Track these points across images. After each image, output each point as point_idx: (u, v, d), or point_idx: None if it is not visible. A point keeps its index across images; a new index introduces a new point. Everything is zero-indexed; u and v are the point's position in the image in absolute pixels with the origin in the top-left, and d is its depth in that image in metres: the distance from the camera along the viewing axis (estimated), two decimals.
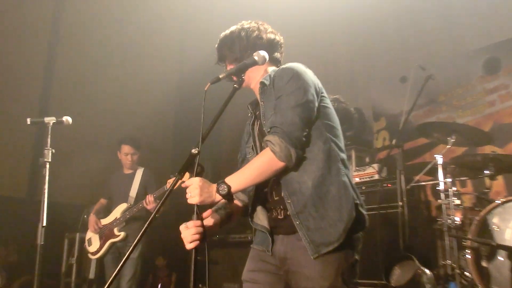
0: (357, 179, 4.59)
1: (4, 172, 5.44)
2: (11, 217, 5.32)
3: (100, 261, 4.73)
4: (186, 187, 1.88)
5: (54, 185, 3.23)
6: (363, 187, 4.46)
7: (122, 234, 4.47)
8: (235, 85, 2.07)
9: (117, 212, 4.56)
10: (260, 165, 1.92)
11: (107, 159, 5.13)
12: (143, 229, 1.80)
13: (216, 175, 6.03)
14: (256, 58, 2.06)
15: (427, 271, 3.56)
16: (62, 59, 6.15)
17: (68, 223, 5.42)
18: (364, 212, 1.97)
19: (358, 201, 1.95)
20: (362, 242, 3.56)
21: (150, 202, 4.32)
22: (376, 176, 4.48)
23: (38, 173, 5.34)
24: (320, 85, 2.07)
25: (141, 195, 4.57)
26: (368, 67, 5.74)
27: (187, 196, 1.89)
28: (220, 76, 2.02)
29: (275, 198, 2.06)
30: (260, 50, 2.09)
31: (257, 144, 2.19)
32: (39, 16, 5.99)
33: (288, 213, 1.97)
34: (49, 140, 3.32)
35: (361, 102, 5.53)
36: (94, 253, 4.57)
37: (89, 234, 4.66)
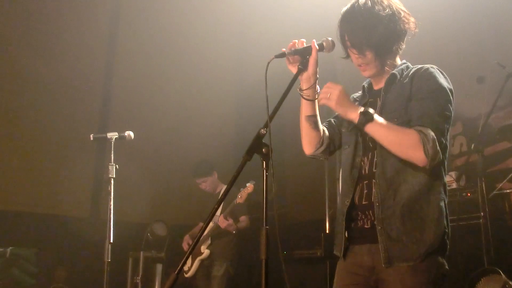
0: None
1: (67, 192, 5.81)
2: (75, 237, 5.65)
3: (164, 280, 5.00)
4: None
5: (115, 203, 3.44)
6: None
7: (206, 251, 4.81)
8: (299, 66, 2.13)
9: (205, 231, 4.83)
10: (403, 140, 1.98)
11: (169, 177, 5.40)
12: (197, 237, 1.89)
13: (280, 165, 6.18)
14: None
15: None
16: (120, 74, 6.52)
17: (131, 242, 5.70)
18: (448, 242, 2.09)
19: (447, 230, 2.07)
20: None
21: (222, 222, 4.56)
22: (454, 185, 4.45)
23: (101, 191, 5.67)
24: None
25: (223, 211, 4.83)
26: (440, 66, 5.69)
27: (322, 95, 2.03)
28: (285, 51, 2.08)
29: (363, 203, 2.13)
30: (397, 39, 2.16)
31: (360, 131, 2.19)
32: (96, 33, 6.38)
33: (374, 222, 2.06)
34: (112, 155, 3.52)
35: None
36: (186, 272, 4.90)
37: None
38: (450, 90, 2.09)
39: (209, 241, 4.84)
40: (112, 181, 3.46)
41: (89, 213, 5.91)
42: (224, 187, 4.90)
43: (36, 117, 5.83)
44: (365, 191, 2.13)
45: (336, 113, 2.34)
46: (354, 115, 2.02)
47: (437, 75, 2.09)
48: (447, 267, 2.07)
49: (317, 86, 2.21)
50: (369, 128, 2.01)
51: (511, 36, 5.15)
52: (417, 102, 2.04)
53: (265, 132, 1.86)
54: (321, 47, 2.14)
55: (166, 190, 5.76)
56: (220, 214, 4.81)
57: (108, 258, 3.34)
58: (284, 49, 2.09)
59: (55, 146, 5.83)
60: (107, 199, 3.49)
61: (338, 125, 2.38)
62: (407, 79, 2.13)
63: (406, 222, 1.99)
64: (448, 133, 2.11)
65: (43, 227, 5.76)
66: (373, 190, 2.09)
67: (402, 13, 2.16)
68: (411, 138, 1.96)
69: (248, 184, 4.52)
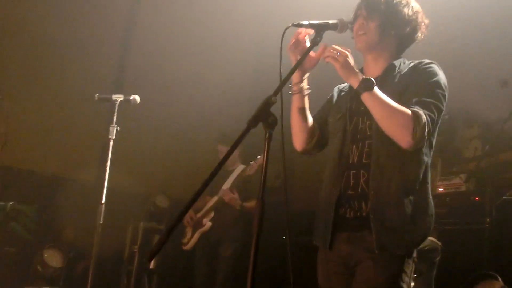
0: (441, 189, 4.65)
1: (75, 154, 5.91)
2: (78, 200, 5.76)
3: (162, 251, 5.12)
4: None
5: (121, 171, 3.51)
6: (447, 199, 4.52)
7: (208, 223, 4.85)
8: (312, 40, 2.16)
9: (209, 204, 4.93)
10: (396, 117, 2.05)
11: (178, 149, 5.49)
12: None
13: (289, 178, 6.26)
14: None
15: None
16: (137, 39, 6.59)
17: (133, 211, 5.83)
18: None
19: (432, 223, 2.17)
20: (441, 258, 3.69)
21: (226, 194, 4.62)
22: (463, 188, 4.53)
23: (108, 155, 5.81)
24: None
25: (234, 186, 4.85)
26: (464, 68, 5.71)
27: (330, 53, 2.09)
28: (302, 22, 2.11)
29: (349, 193, 2.20)
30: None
31: (348, 120, 2.28)
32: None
33: (358, 214, 2.15)
34: (115, 117, 3.54)
35: (453, 106, 5.51)
36: (185, 244, 4.98)
37: (187, 228, 5.08)
38: (446, 87, 2.17)
39: (212, 214, 4.87)
40: (111, 142, 3.50)
41: (95, 177, 6.02)
42: (241, 166, 4.99)
43: (49, 79, 5.89)
44: (352, 181, 2.19)
45: (320, 107, 2.50)
46: (355, 80, 2.09)
47: (436, 71, 2.18)
48: (416, 255, 2.17)
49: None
50: (366, 97, 2.08)
51: None
52: (416, 91, 2.12)
53: (275, 100, 1.83)
54: (334, 26, 2.19)
55: (173, 162, 5.83)
56: (230, 185, 4.86)
57: (100, 219, 3.36)
58: (303, 22, 2.11)
59: (68, 108, 5.90)
60: (114, 164, 3.54)
61: (325, 116, 2.45)
62: (407, 70, 2.23)
63: (401, 213, 2.08)
64: (436, 130, 2.18)
65: (48, 187, 5.87)
66: (361, 180, 2.16)
67: (419, 14, 2.29)
68: (403, 116, 2.02)
69: (259, 157, 4.49)
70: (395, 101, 2.08)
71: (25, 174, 5.88)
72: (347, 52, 2.10)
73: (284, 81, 1.94)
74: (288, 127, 2.33)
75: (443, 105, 2.13)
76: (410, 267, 2.12)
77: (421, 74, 2.17)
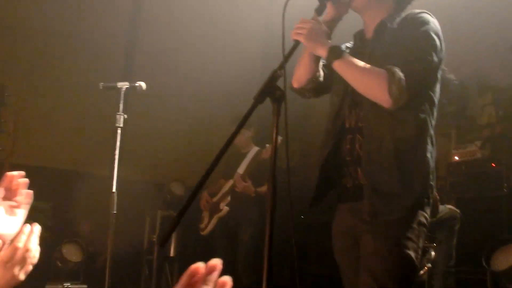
0: (456, 158, 4.65)
1: (88, 147, 5.97)
2: (94, 194, 5.82)
3: (182, 238, 5.20)
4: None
5: (135, 161, 3.49)
6: (463, 167, 4.53)
7: (225, 208, 4.87)
8: (315, 9, 2.13)
9: (225, 188, 4.95)
10: (369, 79, 2.01)
11: (190, 135, 5.51)
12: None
13: (305, 153, 6.29)
14: None
15: None
16: (144, 26, 6.62)
17: (149, 201, 5.89)
18: (431, 197, 2.10)
19: (432, 184, 2.07)
20: (460, 226, 3.67)
21: (239, 183, 4.66)
22: (478, 155, 4.53)
23: (122, 148, 5.87)
24: (444, 52, 2.11)
25: (248, 172, 4.84)
26: (472, 32, 5.67)
27: (295, 30, 2.03)
28: None
29: (347, 159, 2.15)
30: None
31: (344, 87, 2.21)
32: None
33: (356, 182, 2.10)
34: (121, 105, 3.47)
35: (465, 73, 5.50)
36: (203, 229, 5.03)
37: (204, 212, 5.12)
38: (438, 35, 2.06)
39: (228, 198, 4.88)
40: (119, 131, 3.45)
41: (110, 169, 6.07)
42: (255, 148, 5.01)
43: (56, 73, 5.91)
44: (347, 146, 2.15)
45: None
46: (322, 50, 2.04)
47: (425, 20, 2.07)
48: (427, 222, 2.07)
49: None
50: (337, 65, 2.03)
51: None
52: (399, 46, 2.04)
53: (281, 73, 1.80)
54: None
55: (187, 148, 5.87)
56: (243, 172, 4.85)
57: (114, 209, 3.29)
58: None
59: (77, 100, 5.93)
60: (129, 157, 3.56)
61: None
62: (397, 25, 2.13)
63: (393, 176, 2.00)
64: (433, 81, 2.10)
65: (62, 182, 5.90)
66: (356, 145, 2.11)
67: None
68: (377, 77, 1.97)
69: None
70: (387, 60, 2.01)
71: (37, 171, 5.87)
72: (309, 25, 2.04)
73: (288, 55, 1.92)
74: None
75: (433, 55, 2.01)
76: (415, 233, 2.01)
77: (409, 26, 2.08)
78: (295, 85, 2.34)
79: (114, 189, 3.33)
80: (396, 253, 2.00)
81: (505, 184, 4.16)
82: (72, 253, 5.25)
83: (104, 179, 6.00)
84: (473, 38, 5.67)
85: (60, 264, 5.21)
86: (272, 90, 1.75)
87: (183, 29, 6.46)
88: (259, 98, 1.75)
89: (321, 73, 2.31)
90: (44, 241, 4.78)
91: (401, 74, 1.94)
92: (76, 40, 5.97)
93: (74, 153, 6.05)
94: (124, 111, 3.51)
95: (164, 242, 1.82)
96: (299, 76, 2.30)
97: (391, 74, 1.94)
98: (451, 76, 4.49)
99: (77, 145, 5.99)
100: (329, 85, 2.30)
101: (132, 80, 3.64)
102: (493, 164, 4.39)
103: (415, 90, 1.98)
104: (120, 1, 6.41)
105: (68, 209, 5.83)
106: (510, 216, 4.08)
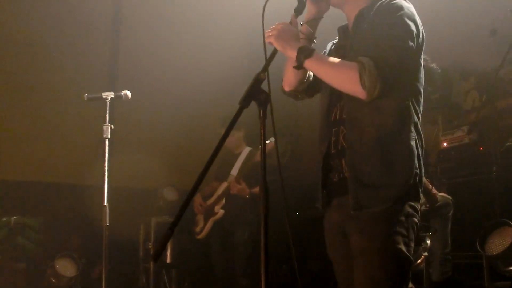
0: (445, 144, 4.72)
1: (76, 158, 5.93)
2: (84, 205, 5.77)
3: (177, 244, 5.20)
4: None
5: (126, 169, 3.47)
6: (452, 153, 4.60)
7: (221, 211, 4.89)
8: (295, 9, 2.12)
9: (219, 190, 4.97)
10: (341, 73, 2.00)
11: (179, 139, 5.49)
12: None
13: (296, 153, 6.32)
14: None
15: None
16: (127, 36, 6.59)
17: (142, 208, 5.87)
18: (421, 186, 2.06)
19: (418, 172, 2.02)
20: (454, 212, 3.70)
21: (233, 187, 4.68)
22: (466, 140, 4.59)
23: (110, 157, 5.83)
24: (424, 37, 2.08)
25: (241, 173, 4.89)
26: (452, 19, 5.75)
27: (267, 33, 2.04)
28: None
29: (332, 151, 2.14)
30: None
31: None
32: None
33: (341, 176, 2.08)
34: (107, 115, 3.48)
35: (447, 60, 5.57)
36: (198, 233, 5.03)
37: (198, 216, 5.13)
38: (413, 20, 2.02)
39: (223, 201, 4.91)
40: (107, 142, 3.45)
41: (98, 180, 6.04)
42: (247, 148, 5.03)
43: (38, 83, 5.86)
44: (333, 139, 2.14)
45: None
46: (292, 51, 2.03)
47: (398, 6, 2.03)
48: (416, 212, 2.04)
49: None
50: (308, 65, 2.02)
51: None
52: (373, 35, 2.01)
53: (264, 76, 1.80)
54: None
55: (176, 153, 5.87)
56: (236, 174, 4.88)
57: (106, 222, 3.32)
58: None
59: (60, 111, 5.88)
60: (117, 166, 3.54)
61: None
62: (372, 13, 2.09)
63: (376, 165, 1.98)
64: (414, 67, 2.08)
65: (50, 196, 5.84)
66: (340, 137, 2.10)
67: None
68: (348, 70, 1.95)
69: (268, 142, 4.49)
70: (363, 51, 1.99)
71: (24, 186, 5.86)
72: (279, 26, 2.05)
73: (270, 58, 1.94)
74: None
75: (408, 42, 1.97)
76: (404, 226, 1.98)
77: (382, 14, 2.04)
78: (287, 88, 2.33)
79: (105, 202, 3.33)
80: (387, 250, 1.98)
81: (494, 167, 4.22)
82: (66, 268, 5.16)
83: (93, 190, 5.98)
84: (453, 24, 5.74)
85: (54, 281, 5.12)
86: (256, 93, 1.78)
87: (165, 34, 6.45)
88: (244, 103, 1.78)
89: (311, 72, 2.29)
90: (35, 258, 4.72)
91: (371, 65, 1.90)
92: (56, 48, 5.93)
93: (61, 166, 5.98)
94: (111, 120, 3.51)
95: (158, 256, 1.80)
96: (289, 78, 2.29)
97: (362, 66, 1.91)
98: (434, 65, 4.55)
99: (63, 157, 5.91)
100: (320, 83, 2.26)
101: (116, 89, 3.64)
102: (481, 147, 4.46)
103: (389, 79, 1.94)
104: (101, 9, 6.37)
105: (60, 223, 5.77)
106: (501, 198, 4.14)
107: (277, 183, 1.86)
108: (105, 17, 6.53)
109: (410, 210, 2.02)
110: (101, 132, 3.50)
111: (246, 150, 5.00)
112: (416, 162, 2.03)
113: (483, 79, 5.44)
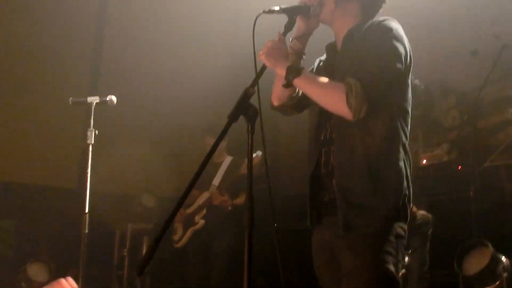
0: (424, 161, 4.76)
1: (53, 161, 5.84)
2: (61, 209, 5.70)
3: (160, 251, 5.14)
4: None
5: (103, 174, 3.43)
6: (431, 170, 4.64)
7: (201, 221, 4.85)
8: (285, 25, 2.14)
9: (200, 200, 4.93)
10: (328, 93, 2.04)
11: (158, 146, 5.44)
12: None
13: (276, 159, 6.33)
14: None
15: (504, 258, 3.73)
16: (111, 40, 6.54)
17: (119, 214, 5.81)
18: (409, 207, 2.08)
19: (407, 193, 2.05)
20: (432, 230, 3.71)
21: (216, 198, 4.66)
22: (445, 158, 4.65)
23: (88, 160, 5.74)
24: (412, 58, 2.11)
25: (224, 184, 4.89)
26: (435, 39, 5.83)
27: (260, 51, 2.08)
28: (273, 8, 2.07)
29: (322, 171, 2.17)
30: None
31: None
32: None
33: (331, 196, 2.10)
34: (92, 121, 3.43)
35: (428, 78, 5.64)
36: (176, 242, 4.98)
37: (176, 224, 5.08)
38: (401, 42, 2.05)
39: (204, 211, 4.88)
40: (91, 148, 3.40)
41: (77, 183, 5.96)
42: (228, 158, 5.00)
43: (19, 86, 5.80)
44: (324, 159, 2.16)
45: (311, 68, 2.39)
46: (281, 69, 2.06)
47: (387, 28, 2.06)
48: (405, 233, 2.07)
49: None
50: (297, 83, 2.07)
51: (506, 8, 5.29)
52: (362, 56, 2.04)
53: (253, 91, 1.84)
54: (307, 9, 2.17)
55: (155, 160, 5.83)
56: (219, 185, 4.87)
57: (85, 229, 3.28)
58: (275, 8, 2.09)
59: (40, 113, 5.80)
60: (96, 170, 3.44)
61: None
62: (362, 34, 2.12)
63: (365, 186, 2.00)
64: (401, 88, 2.11)
65: (26, 198, 5.74)
66: (331, 157, 2.12)
67: None
68: (335, 91, 1.98)
69: (254, 155, 4.53)
70: (351, 71, 2.02)
71: (0, 187, 5.77)
72: (269, 43, 2.09)
73: (260, 72, 1.96)
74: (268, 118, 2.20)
75: (396, 63, 2.01)
76: (393, 246, 2.01)
77: (372, 35, 2.08)
78: (276, 103, 2.35)
79: (87, 210, 3.28)
80: (376, 269, 1.99)
81: (472, 187, 4.27)
82: (38, 273, 5.04)
83: (70, 193, 5.92)
84: (435, 42, 5.82)
85: (25, 286, 4.97)
86: (245, 108, 1.80)
87: (150, 40, 6.42)
88: (233, 117, 1.79)
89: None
90: (7, 261, 4.64)
91: (358, 86, 1.94)
92: (40, 52, 5.85)
93: (39, 168, 5.89)
94: (99, 126, 3.45)
95: (142, 270, 1.78)
96: (278, 93, 2.30)
97: (349, 87, 1.95)
98: (417, 82, 4.59)
99: (41, 159, 5.83)
100: (309, 99, 2.25)
101: (100, 93, 3.59)
102: (459, 166, 4.52)
103: (376, 100, 1.97)
104: (85, 12, 6.31)
105: (34, 226, 5.67)
106: (479, 217, 4.19)
107: (259, 192, 1.87)
108: (89, 22, 6.47)
109: (399, 230, 2.05)
110: (81, 135, 3.44)
111: (228, 159, 4.99)
112: (405, 183, 2.06)
113: (463, 98, 5.51)
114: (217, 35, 6.72)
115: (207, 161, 1.79)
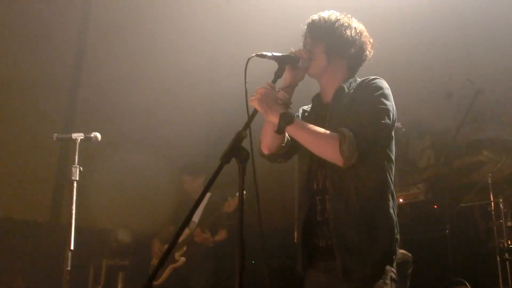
0: (400, 200, 4.85)
1: (27, 194, 5.76)
2: (34, 243, 5.60)
3: None
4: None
5: (78, 207, 3.40)
6: (408, 209, 4.73)
7: (182, 259, 4.81)
8: (275, 72, 2.22)
9: (180, 238, 4.86)
10: (321, 140, 2.13)
11: (135, 181, 5.43)
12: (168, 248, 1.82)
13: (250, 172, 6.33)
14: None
15: None
16: (88, 74, 6.55)
17: (93, 249, 5.72)
18: (398, 250, 2.21)
19: (397, 237, 2.18)
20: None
21: (198, 235, 4.65)
22: (422, 197, 4.74)
23: (62, 194, 5.63)
24: (396, 113, 2.26)
25: (205, 221, 4.87)
26: (410, 81, 6.01)
27: (252, 97, 2.14)
28: (266, 53, 2.15)
29: (318, 219, 2.25)
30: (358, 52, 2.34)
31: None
32: (64, 32, 6.40)
33: (329, 242, 2.18)
34: (76, 157, 3.44)
35: (404, 119, 5.77)
36: (155, 279, 4.88)
37: (154, 260, 5.04)
38: (389, 99, 2.21)
39: (184, 248, 4.85)
40: (75, 184, 3.41)
41: (49, 217, 5.88)
42: (207, 194, 4.97)
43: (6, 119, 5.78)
44: (319, 207, 2.25)
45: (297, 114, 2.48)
46: (274, 116, 2.14)
47: (378, 86, 2.22)
48: (395, 274, 2.18)
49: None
50: (289, 130, 2.16)
51: (480, 52, 5.51)
52: (354, 110, 2.18)
53: (245, 135, 1.89)
54: (296, 59, 2.27)
55: (132, 195, 5.79)
56: (198, 222, 4.87)
57: (68, 266, 3.25)
58: (266, 53, 2.17)
59: (13, 146, 5.76)
60: (69, 203, 3.42)
61: None
62: (353, 90, 2.28)
63: (361, 233, 2.12)
64: (388, 140, 2.25)
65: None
66: (326, 205, 2.20)
67: (363, 34, 2.38)
68: (329, 139, 2.10)
69: (238, 194, 4.49)
70: (343, 124, 2.13)
71: None
72: (262, 90, 2.16)
73: (251, 117, 2.02)
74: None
75: (385, 118, 2.15)
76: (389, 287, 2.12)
77: (364, 91, 2.23)
78: (266, 151, 2.40)
79: (72, 246, 3.25)
80: None
81: (448, 226, 4.36)
82: None
83: (41, 226, 5.82)
84: (411, 85, 5.99)
85: None
86: (237, 151, 1.85)
87: (128, 75, 6.46)
88: (225, 159, 1.84)
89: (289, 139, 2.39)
90: None
91: (351, 135, 2.06)
92: (17, 86, 5.83)
93: (10, 200, 5.80)
94: (71, 161, 3.46)
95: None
96: (268, 143, 2.37)
97: (342, 136, 2.07)
98: (398, 124, 4.72)
99: (12, 192, 5.75)
100: (298, 147, 2.36)
101: (76, 129, 3.63)
102: (435, 205, 4.61)
103: (366, 149, 2.10)
104: (62, 45, 6.35)
105: (8, 261, 5.54)
106: (455, 256, 4.26)
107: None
108: (67, 57, 6.49)
109: (392, 274, 2.16)
110: (54, 168, 3.41)
111: (207, 195, 4.98)
112: (396, 228, 2.18)
113: (437, 139, 5.66)
114: (197, 69, 6.80)
115: (201, 200, 1.91)
